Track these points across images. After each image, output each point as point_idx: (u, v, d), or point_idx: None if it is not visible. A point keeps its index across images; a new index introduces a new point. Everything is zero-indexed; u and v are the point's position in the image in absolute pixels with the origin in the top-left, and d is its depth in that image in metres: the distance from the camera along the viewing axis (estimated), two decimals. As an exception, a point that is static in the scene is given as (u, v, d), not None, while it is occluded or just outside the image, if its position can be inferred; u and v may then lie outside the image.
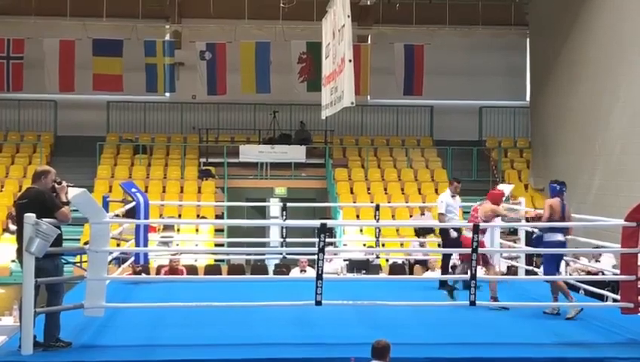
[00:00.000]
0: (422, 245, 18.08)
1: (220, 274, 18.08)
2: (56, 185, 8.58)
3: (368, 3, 24.58)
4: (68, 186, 8.69)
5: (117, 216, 12.00)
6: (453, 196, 13.10)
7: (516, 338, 9.43)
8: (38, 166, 10.55)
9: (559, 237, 10.69)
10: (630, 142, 18.39)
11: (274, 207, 25.42)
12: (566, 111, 21.90)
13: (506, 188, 14.17)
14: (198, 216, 22.00)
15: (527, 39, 26.17)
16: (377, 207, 14.79)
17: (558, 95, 22.38)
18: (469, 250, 9.63)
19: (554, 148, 22.89)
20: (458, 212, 12.93)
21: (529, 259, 14.13)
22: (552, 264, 10.73)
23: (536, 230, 11.12)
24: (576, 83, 21.18)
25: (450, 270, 12.96)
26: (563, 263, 15.06)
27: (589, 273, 14.75)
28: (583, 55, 20.75)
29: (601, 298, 12.64)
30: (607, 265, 14.55)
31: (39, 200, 8.32)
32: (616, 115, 19.06)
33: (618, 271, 10.28)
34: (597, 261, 15.19)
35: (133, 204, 12.50)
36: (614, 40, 19.13)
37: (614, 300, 10.75)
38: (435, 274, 14.98)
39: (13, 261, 17.92)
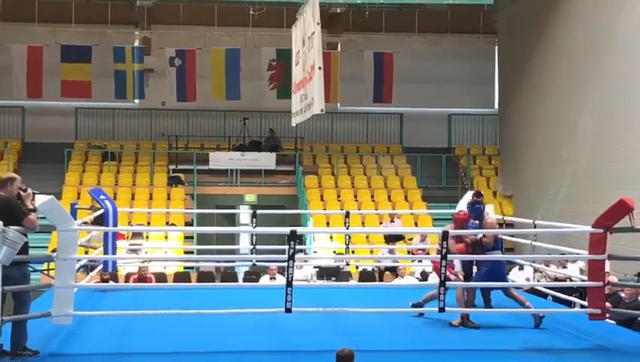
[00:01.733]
0: (391, 252, 18.12)
1: (190, 281, 18.00)
2: (22, 193, 8.51)
3: (338, 11, 24.67)
4: (34, 193, 8.62)
5: (85, 223, 11.92)
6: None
7: (484, 345, 9.47)
8: (4, 173, 10.43)
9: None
10: (597, 150, 18.59)
11: (244, 214, 25.38)
12: (534, 118, 22.10)
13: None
14: (167, 223, 21.89)
15: (496, 47, 26.36)
16: (347, 214, 14.84)
17: (526, 102, 22.57)
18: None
19: (522, 155, 23.08)
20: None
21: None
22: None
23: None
24: (544, 90, 21.37)
25: (420, 277, 12.88)
26: (531, 269, 15.23)
27: (556, 279, 14.85)
28: (551, 63, 20.95)
29: (569, 304, 12.75)
30: (575, 272, 14.67)
31: (7, 208, 8.24)
32: (584, 123, 19.25)
33: (585, 278, 10.37)
34: (564, 267, 15.30)
35: (102, 211, 12.43)
36: (582, 48, 19.33)
37: (582, 306, 10.83)
38: (405, 281, 15.02)
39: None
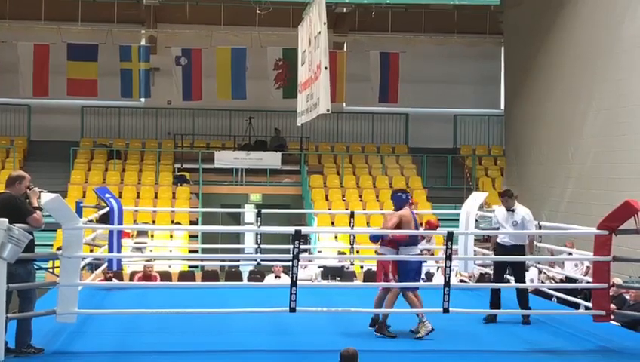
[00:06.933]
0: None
1: (194, 280, 18.02)
2: (28, 191, 8.53)
3: (344, 10, 24.64)
4: (40, 192, 8.64)
5: (90, 221, 11.93)
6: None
7: (488, 346, 9.47)
8: (12, 171, 10.47)
9: (417, 250, 10.45)
10: (603, 151, 18.56)
11: (249, 213, 25.39)
12: (540, 119, 22.07)
13: (480, 196, 14.22)
14: (172, 221, 21.91)
15: (502, 48, 26.36)
16: (352, 214, 14.81)
17: (532, 103, 22.55)
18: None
19: (527, 156, 23.05)
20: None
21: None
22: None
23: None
24: (550, 92, 21.35)
25: (424, 277, 12.64)
26: (536, 270, 15.17)
27: (561, 280, 14.83)
28: (557, 63, 20.92)
29: (574, 306, 12.73)
30: (575, 272, 14.63)
31: (12, 205, 8.26)
32: (589, 124, 19.23)
33: (590, 279, 10.35)
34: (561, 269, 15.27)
35: (107, 209, 12.44)
36: (588, 49, 19.31)
37: (586, 308, 10.82)
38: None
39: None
